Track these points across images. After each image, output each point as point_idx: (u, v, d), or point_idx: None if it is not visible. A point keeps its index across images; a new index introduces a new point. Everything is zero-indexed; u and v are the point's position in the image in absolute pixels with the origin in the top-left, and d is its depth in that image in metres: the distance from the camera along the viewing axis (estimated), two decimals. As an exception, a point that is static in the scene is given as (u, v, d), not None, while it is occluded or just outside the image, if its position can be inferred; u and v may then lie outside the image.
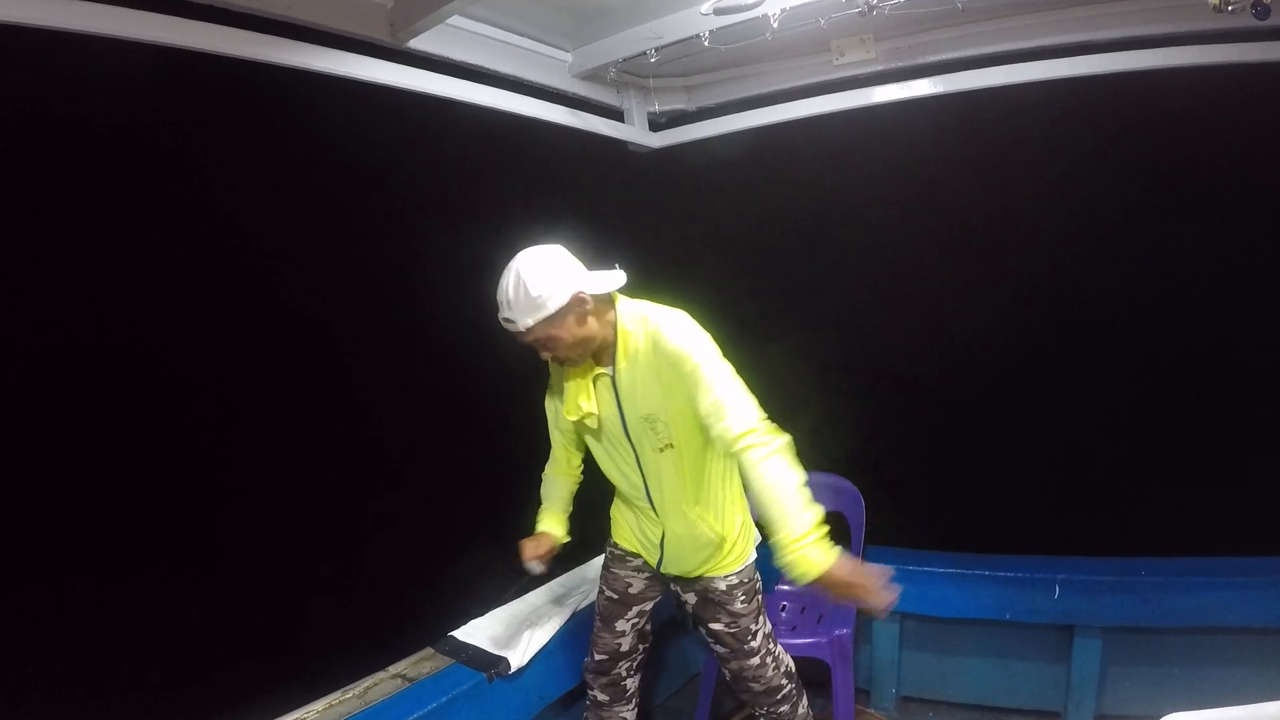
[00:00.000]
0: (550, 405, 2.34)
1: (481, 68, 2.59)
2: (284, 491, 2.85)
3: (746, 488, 1.92)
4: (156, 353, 2.53)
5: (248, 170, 2.54)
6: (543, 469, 2.49)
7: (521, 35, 2.74)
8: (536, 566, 2.38)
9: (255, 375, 2.77)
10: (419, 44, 2.33)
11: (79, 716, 2.31)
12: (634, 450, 2.15)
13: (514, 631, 2.62)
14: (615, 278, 2.04)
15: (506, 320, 1.94)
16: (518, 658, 2.49)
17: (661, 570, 2.36)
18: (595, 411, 2.11)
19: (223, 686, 2.47)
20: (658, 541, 2.29)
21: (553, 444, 2.43)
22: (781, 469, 1.83)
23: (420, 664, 2.52)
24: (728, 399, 1.89)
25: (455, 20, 2.42)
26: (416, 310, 3.14)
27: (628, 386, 2.05)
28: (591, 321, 1.99)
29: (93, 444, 2.40)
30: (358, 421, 3.07)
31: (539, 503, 2.47)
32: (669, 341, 1.96)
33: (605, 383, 2.09)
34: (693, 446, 2.10)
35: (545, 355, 2.03)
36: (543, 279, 1.89)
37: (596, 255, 2.25)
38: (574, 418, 2.15)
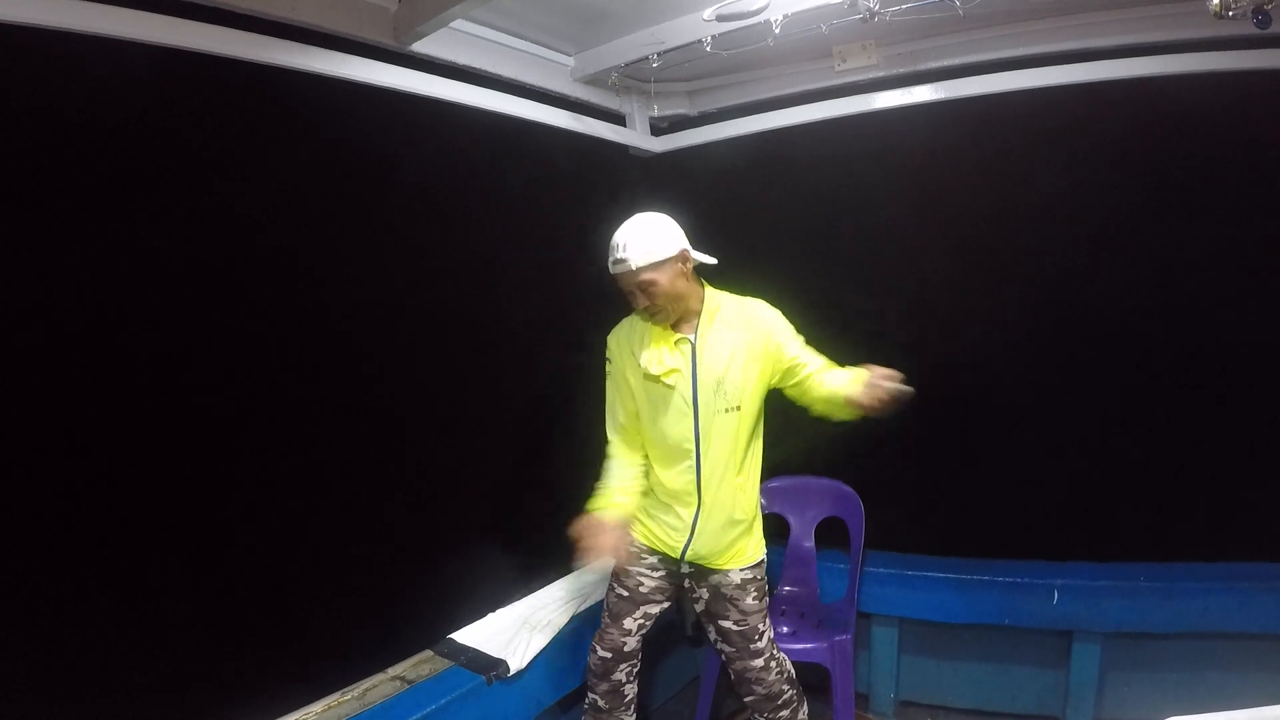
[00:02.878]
0: (614, 396, 2.45)
1: (484, 71, 2.60)
2: (284, 491, 2.85)
3: (828, 396, 2.24)
4: (160, 349, 2.54)
5: (255, 170, 2.54)
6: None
7: (524, 39, 2.75)
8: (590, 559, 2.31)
9: (257, 374, 2.77)
10: (422, 47, 2.34)
11: (76, 715, 2.31)
12: (695, 414, 2.27)
13: (513, 634, 2.62)
14: (709, 257, 2.30)
15: (618, 261, 2.17)
16: (517, 660, 2.50)
17: (686, 556, 2.37)
18: (679, 368, 2.27)
19: (221, 687, 2.47)
20: (689, 521, 2.34)
21: (613, 444, 2.46)
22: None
23: (419, 666, 2.52)
24: (812, 350, 2.32)
25: (458, 24, 2.43)
26: (420, 311, 3.14)
27: (707, 351, 2.26)
28: (688, 283, 2.25)
29: (96, 440, 2.41)
30: (359, 423, 3.07)
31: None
32: (763, 313, 2.32)
33: (685, 346, 2.29)
34: (752, 412, 2.31)
35: (642, 303, 2.22)
36: (659, 230, 2.20)
37: (597, 258, 2.28)
38: (658, 373, 2.28)
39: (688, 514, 2.35)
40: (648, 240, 2.17)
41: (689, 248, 2.24)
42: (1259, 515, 2.90)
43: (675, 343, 2.29)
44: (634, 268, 2.15)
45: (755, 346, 2.26)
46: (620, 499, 2.37)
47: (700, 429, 2.28)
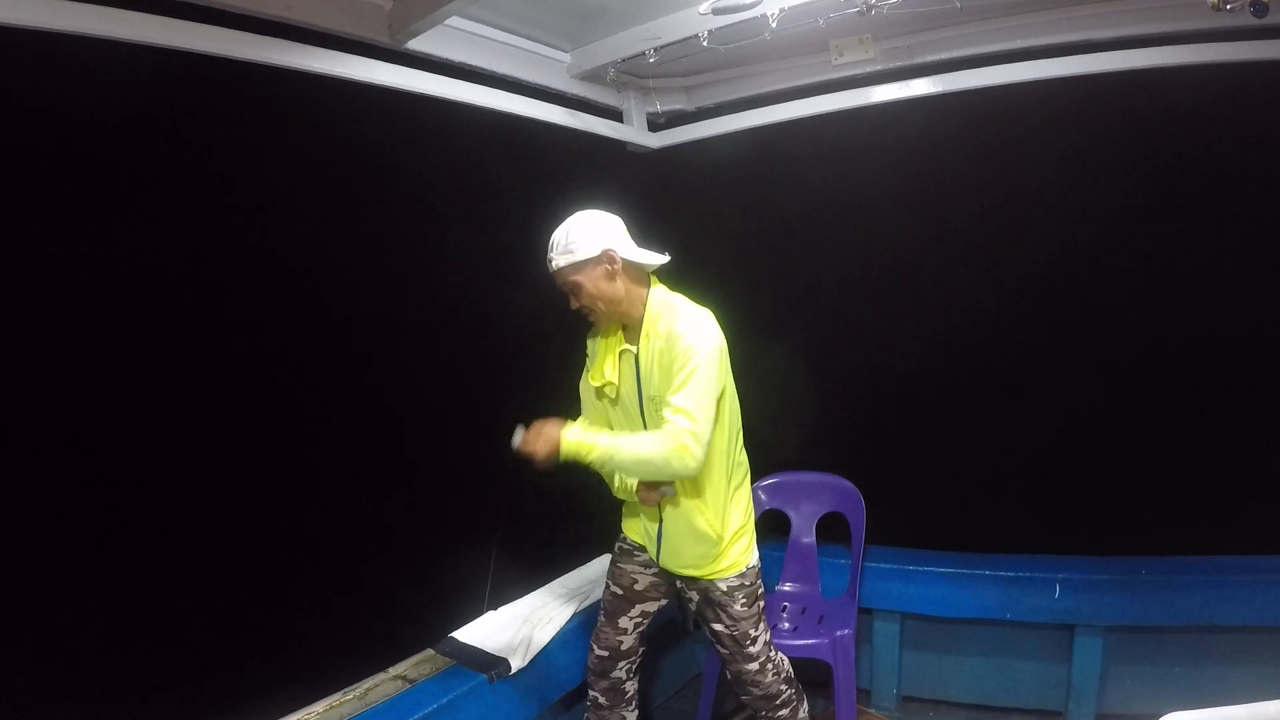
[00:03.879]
0: (584, 385, 2.42)
1: (480, 68, 2.59)
2: (285, 492, 2.85)
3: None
4: (159, 349, 2.54)
5: (252, 170, 2.55)
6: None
7: (520, 36, 2.74)
8: None
9: (256, 374, 2.77)
10: (418, 45, 2.33)
11: (77, 715, 2.31)
12: (645, 427, 2.23)
13: (514, 633, 2.62)
14: (654, 257, 2.18)
15: (547, 261, 2.14)
16: (518, 659, 2.50)
17: (660, 564, 2.37)
18: (615, 381, 2.24)
19: (223, 687, 2.47)
20: (655, 534, 2.33)
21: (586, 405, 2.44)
22: (650, 445, 2.05)
23: (421, 665, 2.52)
24: (685, 404, 2.03)
25: (454, 21, 2.42)
26: (418, 310, 3.14)
27: (646, 364, 2.17)
28: (619, 284, 2.14)
29: (96, 441, 2.41)
30: (359, 422, 3.06)
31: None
32: (678, 334, 2.08)
33: (629, 358, 2.22)
34: None
35: (574, 305, 2.18)
36: (581, 230, 2.11)
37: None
38: (596, 383, 2.28)
39: (652, 527, 2.34)
40: (569, 240, 2.10)
41: (618, 247, 2.12)
42: (1260, 509, 2.89)
43: (620, 354, 2.24)
44: (555, 268, 2.12)
45: (668, 371, 2.10)
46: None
47: None
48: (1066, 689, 2.92)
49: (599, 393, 2.30)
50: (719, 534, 2.26)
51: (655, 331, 2.14)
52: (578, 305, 2.17)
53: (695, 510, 2.23)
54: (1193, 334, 3.30)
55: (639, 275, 2.21)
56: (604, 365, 2.27)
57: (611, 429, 2.31)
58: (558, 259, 2.11)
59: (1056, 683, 2.95)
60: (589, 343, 2.41)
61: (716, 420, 2.12)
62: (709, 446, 2.10)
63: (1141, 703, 2.80)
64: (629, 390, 2.24)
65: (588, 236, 2.10)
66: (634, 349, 2.20)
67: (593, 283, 2.11)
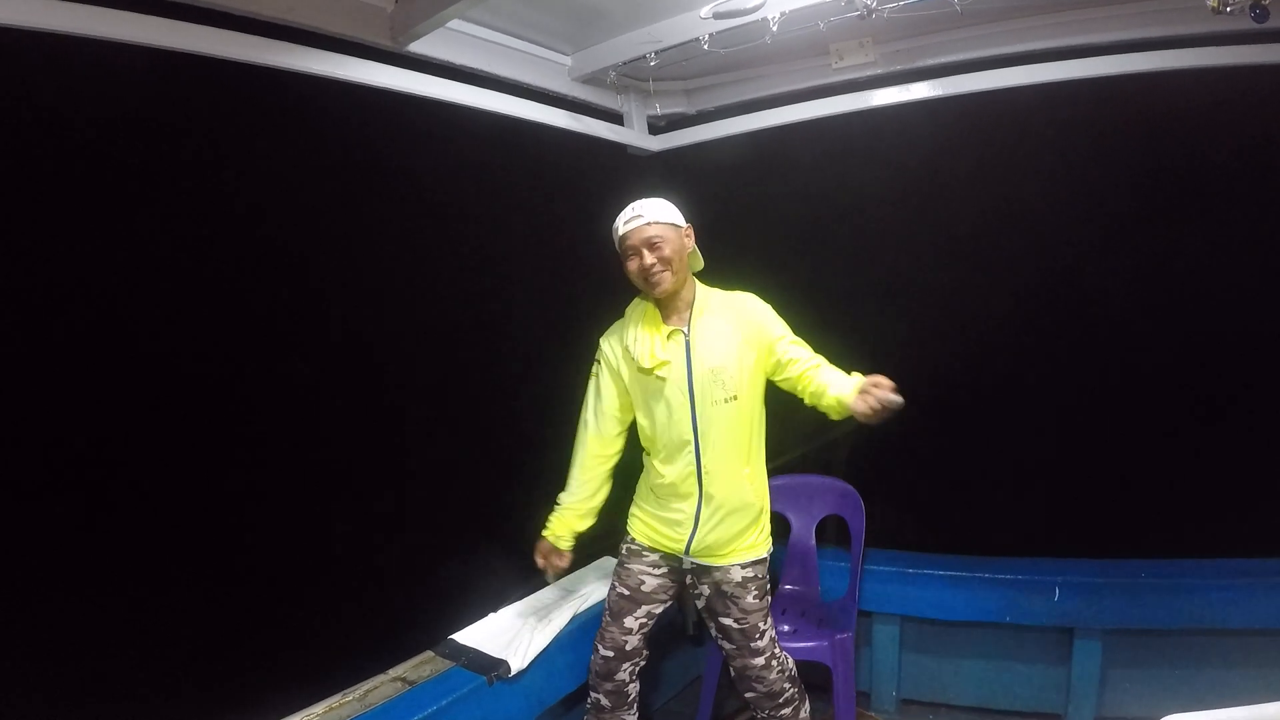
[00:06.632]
0: (593, 397, 2.51)
1: (482, 71, 2.60)
2: (287, 496, 2.85)
3: (818, 391, 2.22)
4: (166, 353, 2.54)
5: (257, 171, 2.55)
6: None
7: (521, 39, 2.75)
8: (553, 578, 2.58)
9: (262, 378, 2.78)
10: (419, 48, 2.34)
11: (79, 714, 2.31)
12: (692, 405, 2.30)
13: (514, 635, 2.62)
14: (699, 257, 2.46)
15: (632, 219, 2.29)
16: (518, 661, 2.49)
17: (691, 551, 2.39)
18: (669, 360, 2.32)
19: (223, 688, 2.48)
20: (691, 515, 2.35)
21: (578, 447, 2.53)
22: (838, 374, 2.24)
23: (420, 667, 2.51)
24: (803, 344, 2.33)
25: (455, 24, 2.43)
26: (420, 313, 3.15)
27: (700, 341, 2.32)
28: (685, 261, 2.35)
29: (100, 443, 2.41)
30: (360, 424, 3.07)
31: (559, 492, 2.54)
32: (755, 305, 2.37)
33: (678, 338, 2.34)
34: (752, 401, 2.34)
35: (648, 260, 2.27)
36: (670, 205, 2.35)
37: (595, 257, 2.28)
38: (649, 366, 2.34)
39: (689, 507, 2.36)
40: (663, 206, 2.31)
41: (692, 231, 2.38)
42: (1259, 511, 2.90)
43: (668, 335, 2.34)
44: (648, 221, 2.27)
45: (748, 335, 2.30)
46: (574, 523, 2.51)
47: (698, 420, 2.30)
48: (1066, 692, 2.92)
49: (649, 374, 2.36)
50: (762, 504, 2.40)
51: (711, 310, 2.35)
52: (652, 261, 2.26)
53: (746, 480, 2.35)
54: (1194, 339, 3.30)
55: (693, 260, 2.41)
56: (653, 350, 2.34)
57: (652, 413, 2.38)
58: (655, 216, 2.28)
59: (1056, 686, 2.95)
60: (608, 344, 2.47)
61: (756, 394, 2.36)
62: (758, 409, 2.37)
63: (1141, 706, 2.80)
64: (678, 369, 2.32)
65: (677, 211, 2.35)
66: (684, 330, 2.34)
67: (675, 245, 2.29)
